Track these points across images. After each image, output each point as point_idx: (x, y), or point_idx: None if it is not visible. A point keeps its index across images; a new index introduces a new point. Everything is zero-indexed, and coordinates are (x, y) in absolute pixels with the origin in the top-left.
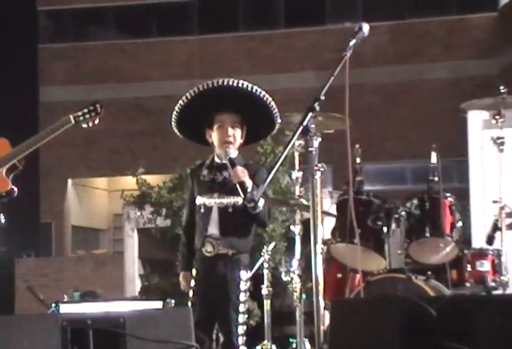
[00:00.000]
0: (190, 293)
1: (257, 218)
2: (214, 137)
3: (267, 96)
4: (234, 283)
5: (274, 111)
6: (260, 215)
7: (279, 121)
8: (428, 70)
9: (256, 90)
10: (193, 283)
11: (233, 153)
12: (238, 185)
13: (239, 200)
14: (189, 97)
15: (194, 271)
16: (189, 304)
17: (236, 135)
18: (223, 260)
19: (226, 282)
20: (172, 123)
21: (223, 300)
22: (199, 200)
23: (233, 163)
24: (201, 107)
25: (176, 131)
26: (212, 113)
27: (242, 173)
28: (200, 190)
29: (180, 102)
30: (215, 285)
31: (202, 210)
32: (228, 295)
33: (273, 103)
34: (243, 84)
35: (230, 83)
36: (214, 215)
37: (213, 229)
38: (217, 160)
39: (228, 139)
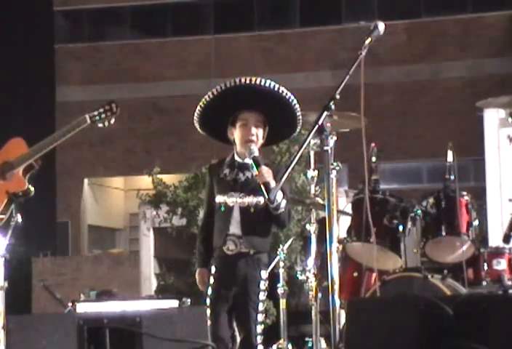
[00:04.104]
0: (209, 290)
1: (278, 219)
2: (236, 135)
3: (293, 98)
4: (255, 282)
5: (298, 114)
6: (280, 216)
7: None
8: (445, 68)
9: (283, 91)
10: (211, 280)
11: (256, 151)
12: (262, 186)
13: (261, 200)
14: (215, 93)
15: (213, 269)
16: (207, 301)
17: (259, 134)
18: (244, 259)
19: (247, 281)
20: (195, 118)
21: (243, 299)
22: (219, 198)
23: (257, 162)
24: (226, 104)
25: (197, 126)
26: (236, 111)
27: (267, 173)
28: (220, 189)
29: (206, 97)
30: (235, 283)
31: (223, 209)
32: (248, 294)
33: (298, 107)
34: (270, 84)
35: (259, 82)
36: (236, 214)
37: (234, 228)
38: (237, 159)
39: (250, 138)
